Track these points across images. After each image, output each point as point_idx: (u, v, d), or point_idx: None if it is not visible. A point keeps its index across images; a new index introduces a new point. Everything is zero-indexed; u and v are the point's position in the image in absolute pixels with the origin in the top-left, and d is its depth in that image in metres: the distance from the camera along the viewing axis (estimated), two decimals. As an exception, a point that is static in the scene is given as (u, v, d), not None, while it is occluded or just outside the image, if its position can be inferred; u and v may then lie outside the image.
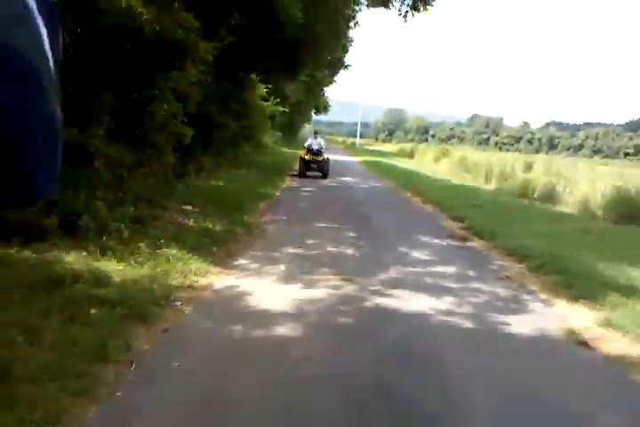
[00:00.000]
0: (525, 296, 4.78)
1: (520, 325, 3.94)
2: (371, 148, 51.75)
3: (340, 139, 72.56)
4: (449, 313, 4.10)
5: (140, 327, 3.29)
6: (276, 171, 15.90)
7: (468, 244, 7.16)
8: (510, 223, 8.41)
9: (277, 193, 10.99)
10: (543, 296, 4.81)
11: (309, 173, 16.31)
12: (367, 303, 4.23)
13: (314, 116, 49.45)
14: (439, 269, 5.59)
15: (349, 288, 4.60)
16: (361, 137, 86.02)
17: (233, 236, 6.15)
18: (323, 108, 41.53)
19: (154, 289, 3.82)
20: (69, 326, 3.04)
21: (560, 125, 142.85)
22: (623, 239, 8.12)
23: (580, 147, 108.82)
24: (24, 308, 3.14)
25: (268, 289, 4.39)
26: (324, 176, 16.45)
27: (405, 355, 3.27)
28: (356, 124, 74.14)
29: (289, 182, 14.23)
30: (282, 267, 5.15)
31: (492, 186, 18.22)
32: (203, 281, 4.41)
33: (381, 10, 14.65)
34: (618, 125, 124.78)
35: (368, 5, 13.70)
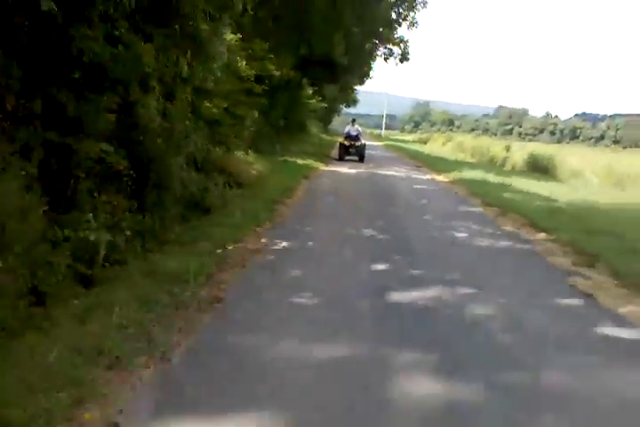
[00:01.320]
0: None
1: (418, 177, 13.01)
2: (394, 137, 60.26)
3: (367, 130, 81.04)
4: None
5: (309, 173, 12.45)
6: (323, 146, 24.79)
7: (420, 169, 16.24)
8: (449, 165, 17.40)
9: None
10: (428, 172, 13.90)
11: (348, 158, 18.57)
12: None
13: (344, 109, 57.99)
14: (402, 169, 14.65)
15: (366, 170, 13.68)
16: (388, 129, 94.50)
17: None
18: (352, 102, 50.09)
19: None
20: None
21: (589, 116, 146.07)
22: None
23: (602, 137, 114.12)
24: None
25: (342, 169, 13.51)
26: (362, 160, 18.47)
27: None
28: (384, 116, 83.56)
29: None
30: (344, 168, 14.29)
31: (471, 159, 26.93)
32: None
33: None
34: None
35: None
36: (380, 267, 5.18)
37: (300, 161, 15.18)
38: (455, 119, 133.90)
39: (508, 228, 7.67)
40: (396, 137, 61.73)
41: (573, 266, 5.57)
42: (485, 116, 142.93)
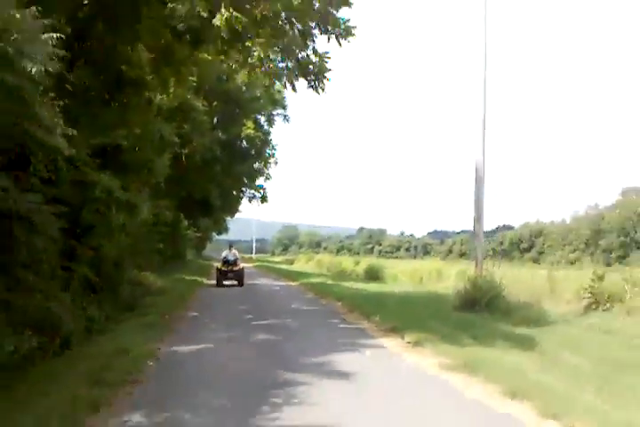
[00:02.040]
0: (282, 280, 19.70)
1: (277, 283, 18.76)
2: (264, 259, 66.75)
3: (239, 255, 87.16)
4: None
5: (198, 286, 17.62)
6: (202, 270, 29.90)
7: (280, 279, 22.07)
8: (302, 276, 23.52)
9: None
10: (285, 280, 19.74)
11: (226, 283, 19.10)
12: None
13: (215, 236, 63.97)
14: (266, 280, 20.32)
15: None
16: (260, 252, 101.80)
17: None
18: (224, 230, 56.44)
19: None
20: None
21: (440, 233, 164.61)
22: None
23: (450, 251, 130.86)
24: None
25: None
26: (240, 284, 19.12)
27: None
28: (254, 240, 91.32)
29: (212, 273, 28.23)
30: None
31: (326, 272, 33.58)
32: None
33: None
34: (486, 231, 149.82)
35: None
36: (247, 316, 10.66)
37: (187, 277, 20.33)
38: (322, 241, 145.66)
39: (324, 301, 13.64)
40: (267, 259, 68.25)
41: (347, 312, 11.53)
42: (349, 237, 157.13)
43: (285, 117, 23.51)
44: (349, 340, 8.37)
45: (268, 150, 24.18)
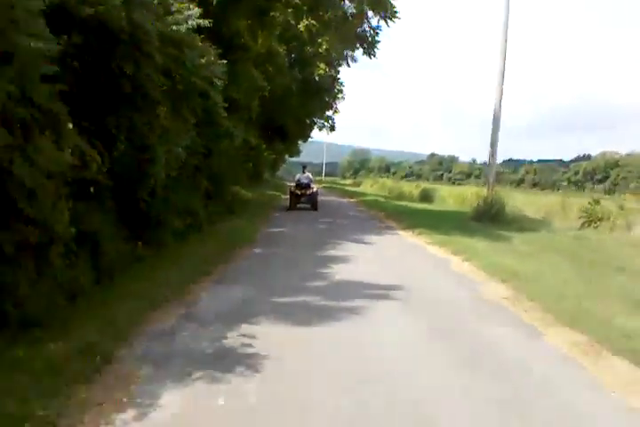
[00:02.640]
0: (345, 198, 24.47)
1: (341, 200, 23.56)
2: (333, 181, 71.78)
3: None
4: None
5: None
6: (277, 187, 35.08)
7: (343, 197, 26.88)
8: (361, 195, 28.21)
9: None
10: (346, 198, 24.49)
11: (300, 206, 18.89)
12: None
13: (287, 158, 69.23)
14: (333, 197, 25.18)
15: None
16: (330, 175, 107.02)
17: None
18: (296, 153, 61.33)
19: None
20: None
21: (514, 162, 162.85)
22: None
23: (522, 180, 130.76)
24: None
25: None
26: (315, 208, 18.72)
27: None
28: (324, 163, 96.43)
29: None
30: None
31: (387, 194, 38.08)
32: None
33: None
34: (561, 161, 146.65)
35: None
36: (311, 216, 15.51)
37: (267, 192, 25.53)
38: (391, 166, 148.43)
39: (372, 212, 18.38)
40: (335, 181, 73.25)
41: (384, 218, 16.17)
42: (420, 162, 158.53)
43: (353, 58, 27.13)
44: (377, 230, 13.12)
45: (337, 87, 27.99)
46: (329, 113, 30.28)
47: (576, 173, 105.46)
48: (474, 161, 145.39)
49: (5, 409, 3.10)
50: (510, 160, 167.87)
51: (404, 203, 24.41)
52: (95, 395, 3.49)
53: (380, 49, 13.73)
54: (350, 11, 12.94)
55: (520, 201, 22.05)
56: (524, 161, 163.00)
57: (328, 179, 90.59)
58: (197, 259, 8.11)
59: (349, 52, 13.72)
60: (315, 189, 18.96)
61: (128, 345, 4.40)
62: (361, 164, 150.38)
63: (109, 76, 6.83)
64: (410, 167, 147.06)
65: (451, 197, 28.15)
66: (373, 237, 11.68)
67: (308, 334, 4.90)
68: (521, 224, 15.75)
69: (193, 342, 4.58)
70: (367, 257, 9.31)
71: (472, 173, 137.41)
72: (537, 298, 6.34)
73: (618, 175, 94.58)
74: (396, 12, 12.86)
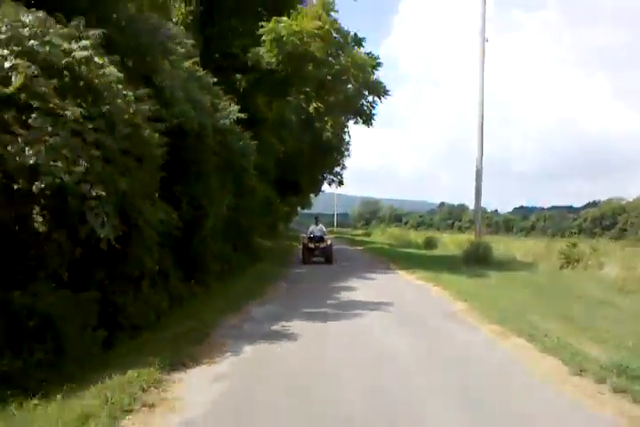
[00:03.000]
0: (352, 246, 27.34)
1: (348, 248, 26.45)
2: (345, 232, 74.86)
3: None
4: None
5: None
6: (291, 238, 38.03)
7: (352, 246, 29.75)
8: (368, 243, 31.09)
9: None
10: (354, 246, 27.36)
11: (314, 260, 18.52)
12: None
13: (299, 210, 72.74)
14: (343, 246, 28.10)
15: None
16: (341, 226, 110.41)
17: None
18: (307, 205, 64.91)
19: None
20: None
21: (525, 210, 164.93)
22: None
23: (533, 227, 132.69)
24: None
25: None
26: (329, 261, 18.30)
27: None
28: (335, 214, 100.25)
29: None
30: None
31: (394, 242, 40.87)
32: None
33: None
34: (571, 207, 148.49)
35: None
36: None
37: (283, 242, 28.53)
38: (402, 215, 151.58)
39: (376, 258, 21.15)
40: (347, 232, 76.28)
41: (387, 261, 19.04)
42: (430, 212, 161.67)
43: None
44: (380, 270, 16.01)
45: (343, 147, 31.64)
46: (337, 169, 33.83)
47: (585, 220, 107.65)
48: (483, 210, 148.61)
49: (161, 353, 5.91)
50: (521, 207, 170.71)
51: (408, 250, 27.23)
52: (203, 350, 6.33)
53: (386, 101, 16.80)
54: (350, 92, 16.30)
55: (512, 246, 24.86)
56: (535, 208, 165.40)
57: (340, 229, 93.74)
58: (239, 292, 10.98)
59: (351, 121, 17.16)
60: (329, 242, 18.49)
61: (213, 332, 7.25)
62: (372, 214, 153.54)
63: (178, 161, 9.98)
64: (421, 217, 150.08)
65: (452, 244, 30.89)
66: (375, 275, 14.52)
67: (324, 326, 7.80)
68: (506, 265, 18.47)
69: (253, 329, 7.49)
70: (368, 288, 12.15)
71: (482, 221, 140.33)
72: (484, 311, 9.08)
73: (626, 221, 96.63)
74: (387, 91, 16.22)
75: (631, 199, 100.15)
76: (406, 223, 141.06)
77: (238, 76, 15.27)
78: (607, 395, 4.90)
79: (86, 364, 5.51)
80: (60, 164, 4.94)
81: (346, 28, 15.10)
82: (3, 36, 5.31)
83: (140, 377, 4.95)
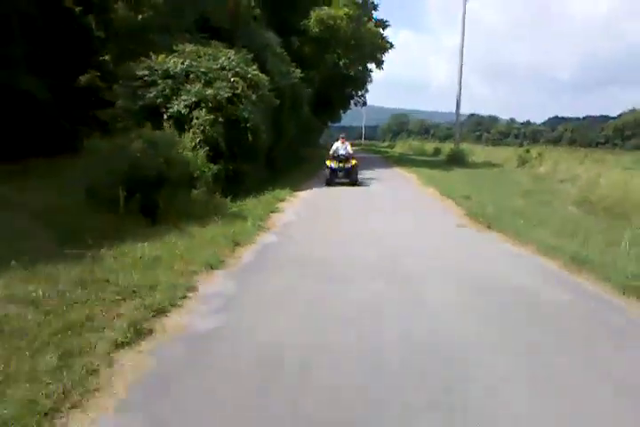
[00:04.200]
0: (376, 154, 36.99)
1: (371, 156, 36.07)
2: (372, 144, 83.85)
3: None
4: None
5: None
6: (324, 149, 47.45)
7: (376, 155, 39.35)
8: (387, 151, 40.63)
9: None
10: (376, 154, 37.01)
11: (338, 181, 18.57)
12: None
13: (330, 124, 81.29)
14: (368, 155, 37.72)
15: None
16: (370, 139, 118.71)
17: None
18: (337, 119, 73.46)
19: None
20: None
21: (559, 120, 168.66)
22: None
23: (559, 139, 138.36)
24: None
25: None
26: (354, 183, 18.48)
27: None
28: (363, 127, 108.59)
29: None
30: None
31: (411, 152, 50.16)
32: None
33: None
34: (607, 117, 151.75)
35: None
36: None
37: (321, 151, 38.29)
38: (430, 128, 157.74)
39: (386, 160, 30.78)
40: (374, 144, 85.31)
41: (392, 163, 28.66)
42: (461, 123, 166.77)
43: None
44: (386, 168, 25.87)
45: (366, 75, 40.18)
46: (361, 92, 42.40)
47: (602, 129, 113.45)
48: (512, 120, 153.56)
49: (287, 186, 15.83)
50: (556, 118, 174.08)
51: (416, 157, 36.64)
52: (302, 188, 16.29)
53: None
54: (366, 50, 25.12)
55: (492, 152, 34.21)
56: (570, 118, 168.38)
57: (368, 142, 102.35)
58: (300, 175, 20.85)
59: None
60: (354, 162, 18.44)
61: (301, 184, 17.20)
62: (400, 126, 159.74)
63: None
64: (448, 129, 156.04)
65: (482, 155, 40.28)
66: (380, 170, 24.28)
67: (345, 186, 17.62)
68: (477, 166, 27.96)
69: (312, 184, 17.42)
70: (374, 174, 21.94)
71: (510, 132, 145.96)
72: (430, 183, 18.76)
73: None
74: (392, 45, 24.90)
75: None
76: (433, 135, 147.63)
77: (294, 38, 24.03)
78: (455, 206, 14.61)
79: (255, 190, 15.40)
80: (252, 115, 14.57)
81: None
82: (225, 64, 14.65)
83: (282, 192, 14.84)
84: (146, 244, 6.75)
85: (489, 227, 10.03)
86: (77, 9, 20.13)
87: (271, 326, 4.70)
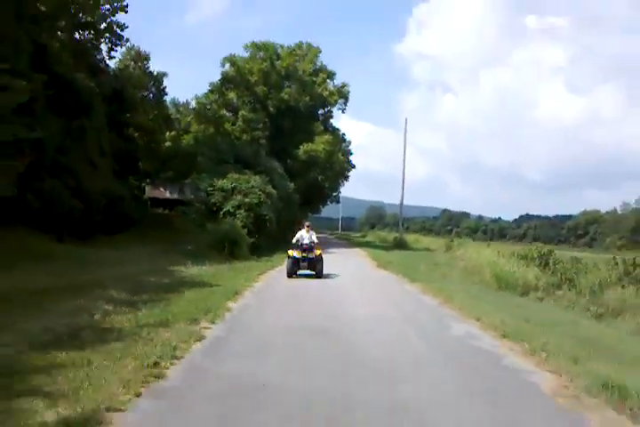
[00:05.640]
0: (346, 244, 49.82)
1: (339, 243, 48.87)
2: (346, 234, 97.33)
3: (328, 231, 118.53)
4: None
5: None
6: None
7: (344, 242, 52.21)
8: (355, 241, 53.58)
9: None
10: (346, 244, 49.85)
11: (300, 272, 17.77)
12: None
13: (310, 215, 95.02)
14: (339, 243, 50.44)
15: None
16: (347, 230, 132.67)
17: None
18: (317, 211, 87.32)
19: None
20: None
21: (529, 217, 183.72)
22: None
23: (524, 235, 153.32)
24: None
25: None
26: (318, 275, 17.61)
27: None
28: (343, 219, 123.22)
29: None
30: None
31: (377, 241, 63.20)
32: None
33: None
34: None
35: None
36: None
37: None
38: (405, 222, 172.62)
39: (352, 245, 43.53)
40: (348, 234, 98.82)
41: (355, 246, 41.42)
42: (434, 218, 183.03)
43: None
44: (348, 248, 38.51)
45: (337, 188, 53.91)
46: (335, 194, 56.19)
47: (562, 229, 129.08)
48: (480, 218, 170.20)
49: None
50: (527, 215, 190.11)
51: (377, 243, 49.36)
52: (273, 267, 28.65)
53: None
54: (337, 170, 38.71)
55: (429, 241, 47.40)
56: (539, 216, 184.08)
57: (345, 233, 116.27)
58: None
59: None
60: (318, 253, 18.07)
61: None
62: (377, 219, 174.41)
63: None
64: (423, 222, 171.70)
65: (409, 241, 53.06)
66: (344, 249, 36.74)
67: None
68: (414, 249, 40.74)
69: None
70: (338, 250, 34.34)
71: (478, 228, 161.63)
72: (376, 258, 31.09)
73: (596, 231, 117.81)
74: (354, 166, 38.45)
75: (604, 212, 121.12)
76: (407, 228, 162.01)
77: (290, 161, 37.42)
78: (374, 262, 26.98)
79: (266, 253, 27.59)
80: (268, 213, 27.27)
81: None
82: (254, 184, 27.43)
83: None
84: (237, 263, 19.06)
85: (385, 269, 22.41)
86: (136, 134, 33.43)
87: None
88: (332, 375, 6.20)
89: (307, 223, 19.68)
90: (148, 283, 12.95)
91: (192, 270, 16.50)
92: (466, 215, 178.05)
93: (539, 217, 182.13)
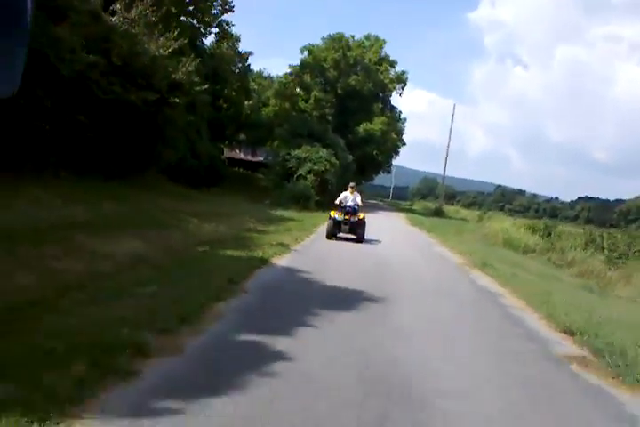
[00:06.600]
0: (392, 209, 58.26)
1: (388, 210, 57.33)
2: (396, 203, 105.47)
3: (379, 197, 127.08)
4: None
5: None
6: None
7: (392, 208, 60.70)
8: (402, 208, 61.95)
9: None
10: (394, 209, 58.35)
11: (340, 235, 17.53)
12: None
13: (363, 182, 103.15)
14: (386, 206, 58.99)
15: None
16: (398, 198, 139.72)
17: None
18: (370, 179, 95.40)
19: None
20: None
21: (588, 200, 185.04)
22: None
23: (576, 217, 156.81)
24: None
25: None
26: (360, 239, 17.15)
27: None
28: (395, 187, 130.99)
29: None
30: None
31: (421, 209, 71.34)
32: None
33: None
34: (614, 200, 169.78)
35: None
36: None
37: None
38: (457, 195, 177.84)
39: (397, 210, 51.93)
40: (397, 202, 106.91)
41: (399, 211, 49.81)
42: (483, 193, 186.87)
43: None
44: (393, 212, 46.85)
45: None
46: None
47: (615, 213, 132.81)
48: (534, 196, 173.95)
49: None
50: (586, 197, 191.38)
51: (421, 211, 57.40)
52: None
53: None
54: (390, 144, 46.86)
55: (466, 212, 55.20)
56: (599, 199, 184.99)
57: (395, 201, 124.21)
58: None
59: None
60: (362, 216, 17.57)
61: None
62: (429, 190, 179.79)
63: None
64: (474, 197, 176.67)
65: (449, 212, 60.79)
66: (387, 212, 45.22)
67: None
68: (450, 217, 48.76)
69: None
70: (383, 212, 42.76)
71: (530, 206, 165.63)
72: (414, 223, 39.40)
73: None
74: (398, 152, 46.43)
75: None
76: (458, 201, 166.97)
77: (350, 136, 45.50)
78: (410, 225, 35.39)
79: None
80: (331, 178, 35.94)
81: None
82: (322, 155, 35.95)
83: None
84: (307, 213, 27.96)
85: (414, 226, 30.81)
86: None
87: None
88: (373, 265, 14.39)
89: (351, 184, 18.80)
90: (263, 215, 22.07)
91: (282, 213, 25.37)
92: (521, 193, 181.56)
93: (598, 200, 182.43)
